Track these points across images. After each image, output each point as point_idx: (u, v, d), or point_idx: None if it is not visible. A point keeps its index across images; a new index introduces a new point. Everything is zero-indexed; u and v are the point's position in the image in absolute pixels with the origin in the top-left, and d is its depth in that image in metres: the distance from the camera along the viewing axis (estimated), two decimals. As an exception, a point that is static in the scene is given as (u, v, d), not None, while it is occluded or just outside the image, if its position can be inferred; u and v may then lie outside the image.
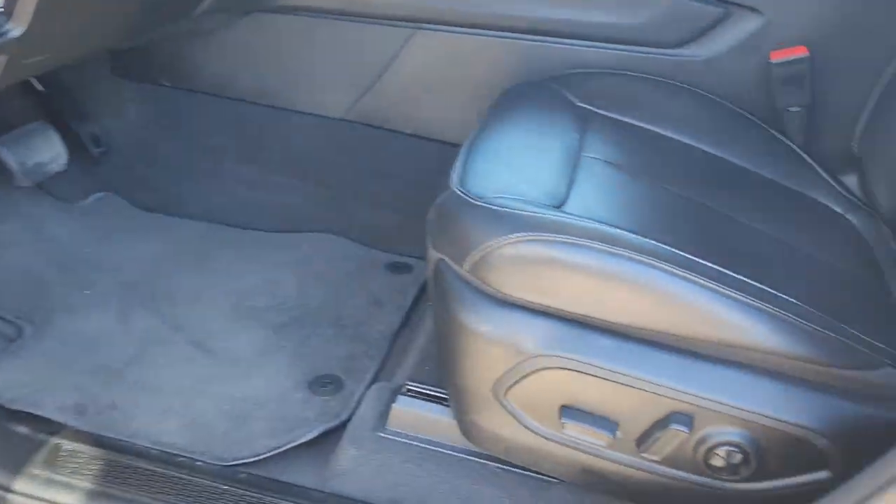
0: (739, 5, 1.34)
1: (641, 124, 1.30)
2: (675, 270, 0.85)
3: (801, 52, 1.31)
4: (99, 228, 1.54)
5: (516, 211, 0.91)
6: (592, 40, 1.40)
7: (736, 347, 0.84)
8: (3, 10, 0.91)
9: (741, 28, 1.35)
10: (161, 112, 1.62)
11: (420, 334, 1.29)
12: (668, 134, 1.30)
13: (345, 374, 1.23)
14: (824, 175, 1.29)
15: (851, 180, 1.31)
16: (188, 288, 1.41)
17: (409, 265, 1.53)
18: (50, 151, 1.52)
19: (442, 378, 1.00)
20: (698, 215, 1.08)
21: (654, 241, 0.88)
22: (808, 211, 1.25)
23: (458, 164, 1.04)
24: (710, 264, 0.87)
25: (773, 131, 1.34)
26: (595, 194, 1.04)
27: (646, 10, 1.37)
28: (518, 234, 0.87)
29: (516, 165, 1.07)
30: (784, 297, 0.87)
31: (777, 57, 1.32)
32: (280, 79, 1.57)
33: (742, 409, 0.84)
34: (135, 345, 1.26)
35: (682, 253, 0.88)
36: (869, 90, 1.27)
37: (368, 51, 1.51)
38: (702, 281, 0.85)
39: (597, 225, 0.90)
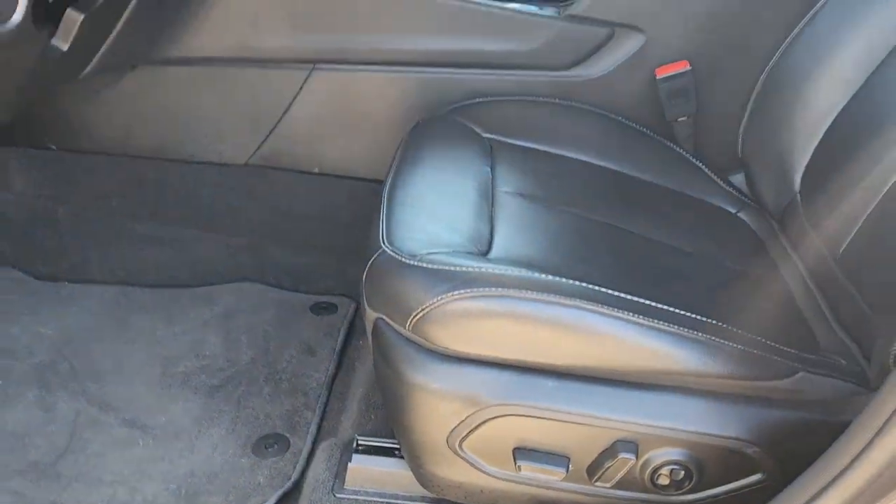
0: (622, 25, 1.41)
1: (545, 148, 1.36)
2: (603, 311, 0.90)
3: (682, 66, 1.39)
4: (0, 307, 1.46)
5: (451, 268, 0.93)
6: (490, 68, 1.45)
7: (667, 374, 0.90)
8: None
9: (626, 47, 1.42)
10: (52, 177, 1.55)
11: (358, 380, 1.30)
12: (571, 155, 1.36)
13: (289, 432, 1.23)
14: (715, 178, 1.39)
15: (739, 179, 1.41)
16: (110, 361, 1.37)
17: (332, 304, 1.53)
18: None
19: (393, 432, 1.02)
20: (613, 241, 1.14)
21: (582, 283, 0.93)
22: (706, 214, 1.34)
23: (381, 219, 1.06)
24: (634, 298, 0.93)
25: (665, 141, 1.43)
26: (517, 235, 1.08)
27: (538, 36, 1.42)
28: (456, 292, 0.90)
29: (437, 212, 1.09)
30: (704, 319, 0.94)
31: (662, 73, 1.40)
32: (177, 131, 1.53)
33: (680, 430, 0.91)
34: (64, 434, 1.21)
35: (607, 290, 0.93)
36: (747, 96, 1.37)
37: (266, 95, 1.49)
38: (629, 317, 0.90)
39: (527, 273, 0.94)
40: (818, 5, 1.30)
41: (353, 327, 1.47)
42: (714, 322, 0.94)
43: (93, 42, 1.24)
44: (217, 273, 1.57)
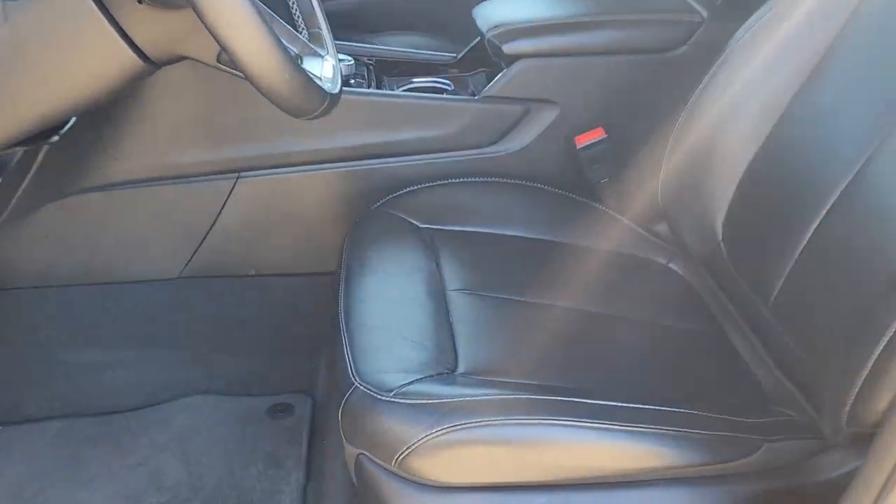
0: (536, 100, 1.46)
1: (479, 229, 1.39)
2: (574, 423, 0.94)
3: (599, 134, 1.46)
4: (-63, 468, 1.38)
5: (428, 401, 0.95)
6: (415, 154, 1.47)
7: (644, 471, 0.96)
8: None
9: (542, 120, 1.48)
10: (-27, 319, 1.48)
11: (331, 488, 1.31)
12: (505, 231, 1.40)
13: (272, 559, 1.23)
14: (643, 231, 1.46)
15: (663, 228, 1.49)
16: (69, 509, 1.32)
17: (289, 405, 1.52)
18: None
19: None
20: (563, 327, 1.18)
21: (555, 397, 0.97)
22: (641, 271, 1.40)
23: (345, 349, 1.07)
24: (596, 402, 0.97)
25: (590, 202, 1.49)
26: (476, 341, 1.11)
27: (457, 120, 1.46)
28: (438, 428, 0.92)
29: (398, 329, 1.11)
30: (666, 410, 0.99)
31: (581, 141, 1.46)
32: (102, 255, 1.48)
33: (665, 523, 0.96)
34: None
35: (573, 399, 0.97)
36: (662, 152, 1.44)
37: (192, 209, 1.47)
38: (596, 424, 0.95)
39: (497, 394, 0.97)
40: (716, 65, 1.38)
41: (315, 428, 1.47)
42: (675, 410, 1.00)
43: (5, 192, 1.19)
44: (164, 391, 1.53)
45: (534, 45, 1.44)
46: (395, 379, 0.99)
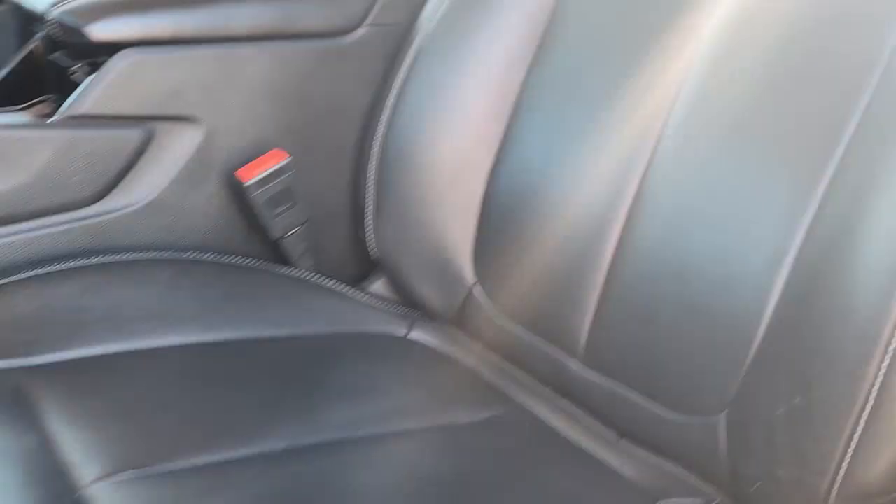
0: (164, 117, 0.89)
1: (108, 348, 0.79)
2: None
3: (277, 159, 0.93)
4: None
5: None
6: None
7: None
8: None
9: (177, 148, 0.91)
10: None
11: None
12: (155, 343, 0.83)
13: None
14: (362, 299, 0.98)
15: (379, 287, 1.03)
16: None
17: None
18: None
19: None
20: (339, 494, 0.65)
21: None
22: (380, 354, 0.93)
23: None
24: None
25: (276, 268, 0.97)
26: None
27: (26, 163, 0.81)
28: None
29: None
30: None
31: (250, 176, 0.92)
32: None
33: None
34: None
35: None
36: (365, 181, 0.99)
37: None
38: None
39: None
40: (413, 48, 0.98)
41: None
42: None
43: None
44: None
45: (145, 25, 0.86)
46: None
